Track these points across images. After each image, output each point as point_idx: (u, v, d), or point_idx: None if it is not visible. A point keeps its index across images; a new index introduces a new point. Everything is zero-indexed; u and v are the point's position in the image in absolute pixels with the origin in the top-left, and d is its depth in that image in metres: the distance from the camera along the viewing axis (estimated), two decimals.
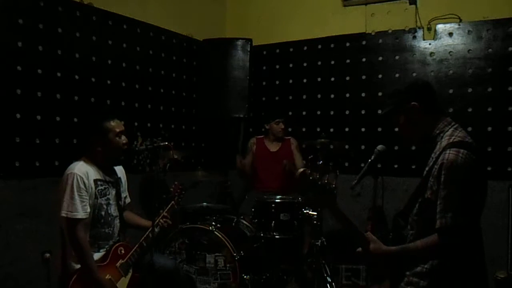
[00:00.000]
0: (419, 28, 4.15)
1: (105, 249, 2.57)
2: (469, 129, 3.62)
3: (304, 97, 4.70)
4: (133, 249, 2.61)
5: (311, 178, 1.71)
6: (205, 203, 3.83)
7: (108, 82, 3.73)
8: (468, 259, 1.74)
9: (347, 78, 4.48)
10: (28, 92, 3.14)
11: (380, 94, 4.31)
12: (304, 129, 4.68)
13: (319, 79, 4.62)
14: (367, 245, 1.81)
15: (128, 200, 2.86)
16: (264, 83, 4.93)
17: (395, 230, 1.95)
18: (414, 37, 4.17)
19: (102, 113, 3.48)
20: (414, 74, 4.17)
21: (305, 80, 4.70)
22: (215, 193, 4.66)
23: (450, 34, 4.03)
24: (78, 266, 2.46)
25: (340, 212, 1.81)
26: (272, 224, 3.69)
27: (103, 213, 2.56)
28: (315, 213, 3.41)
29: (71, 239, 2.43)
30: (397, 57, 4.25)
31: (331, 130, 4.50)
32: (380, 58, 4.32)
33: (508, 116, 3.80)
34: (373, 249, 1.80)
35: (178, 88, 4.49)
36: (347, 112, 4.48)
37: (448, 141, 1.78)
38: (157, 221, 2.70)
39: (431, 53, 4.10)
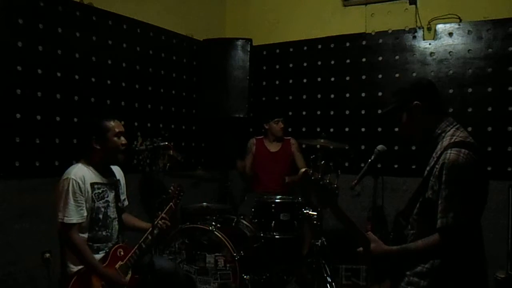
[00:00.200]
0: (419, 28, 4.15)
1: (104, 251, 2.57)
2: (469, 129, 3.62)
3: (304, 97, 4.70)
4: (132, 251, 2.61)
5: (312, 178, 1.71)
6: (205, 203, 3.83)
7: (108, 82, 3.73)
8: (469, 259, 1.75)
9: (347, 78, 4.48)
10: (28, 92, 3.13)
11: (380, 94, 4.31)
12: (304, 129, 4.68)
13: (319, 79, 4.62)
14: (368, 244, 1.81)
15: (126, 202, 2.85)
16: (264, 83, 4.93)
17: (396, 230, 1.94)
18: (414, 37, 4.17)
19: (102, 113, 3.49)
20: (414, 74, 4.17)
21: (305, 80, 4.70)
22: (215, 193, 4.67)
23: (450, 34, 4.03)
24: (77, 268, 2.46)
25: (341, 211, 1.81)
26: (272, 224, 3.69)
27: (101, 216, 2.56)
28: (315, 213, 3.41)
29: (68, 243, 2.46)
30: (397, 57, 4.25)
31: (331, 130, 4.50)
32: (380, 58, 4.32)
33: (508, 116, 3.80)
34: (374, 249, 1.80)
35: (178, 88, 4.49)
36: (347, 112, 4.48)
37: (449, 141, 1.78)
38: (156, 222, 2.70)
39: (431, 53, 4.10)
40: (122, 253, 2.60)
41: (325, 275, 3.38)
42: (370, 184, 2.99)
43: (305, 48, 4.69)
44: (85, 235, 2.51)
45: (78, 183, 2.46)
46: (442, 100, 1.95)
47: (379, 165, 2.53)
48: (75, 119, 3.43)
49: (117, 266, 2.55)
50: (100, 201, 2.56)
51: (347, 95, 4.48)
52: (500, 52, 3.83)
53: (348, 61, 4.48)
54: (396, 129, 3.97)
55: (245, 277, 3.34)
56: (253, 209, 3.81)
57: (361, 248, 1.84)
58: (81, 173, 2.49)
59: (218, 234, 3.33)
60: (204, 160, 4.71)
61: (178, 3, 4.49)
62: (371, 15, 4.36)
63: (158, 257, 2.96)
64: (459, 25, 3.99)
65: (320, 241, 3.46)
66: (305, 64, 4.69)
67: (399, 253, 1.78)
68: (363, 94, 4.40)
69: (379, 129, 4.31)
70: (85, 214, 2.49)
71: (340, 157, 4.29)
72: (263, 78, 4.92)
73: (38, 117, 3.20)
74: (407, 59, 4.21)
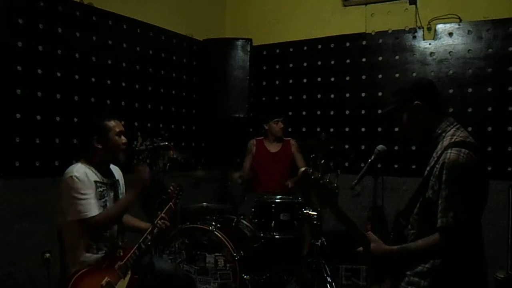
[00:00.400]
0: (419, 28, 4.15)
1: (103, 252, 2.57)
2: (469, 129, 3.62)
3: (304, 97, 4.70)
4: (132, 251, 2.60)
5: (312, 177, 1.71)
6: (205, 203, 3.83)
7: (108, 82, 3.73)
8: (469, 259, 1.75)
9: (347, 78, 4.48)
10: (28, 92, 3.13)
11: (380, 94, 4.31)
12: (304, 129, 4.68)
13: (319, 79, 4.62)
14: (368, 244, 1.81)
15: None
16: (264, 83, 4.93)
17: (396, 230, 1.94)
18: (414, 37, 4.17)
19: (102, 113, 3.49)
20: (414, 74, 4.17)
21: (305, 80, 4.70)
22: (215, 193, 4.66)
23: (450, 34, 4.03)
24: (76, 268, 2.46)
25: (341, 211, 1.81)
26: (272, 224, 3.69)
27: None
28: (315, 213, 3.40)
29: (94, 234, 2.49)
30: (397, 57, 4.25)
31: (331, 130, 4.50)
32: (380, 58, 4.32)
33: (508, 116, 3.80)
34: (374, 249, 1.80)
35: (178, 88, 4.49)
36: (347, 112, 4.48)
37: (449, 140, 1.78)
38: (156, 222, 2.69)
39: (431, 53, 4.11)
40: (121, 253, 2.59)
41: (325, 275, 3.38)
42: (370, 184, 2.99)
43: (305, 48, 4.69)
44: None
45: (83, 179, 2.45)
46: (442, 100, 1.95)
47: (379, 165, 2.53)
48: (75, 119, 3.43)
49: (116, 266, 2.54)
50: (100, 201, 2.55)
51: (347, 95, 4.48)
52: (500, 52, 3.83)
53: (348, 61, 4.48)
54: (396, 129, 3.97)
55: (245, 277, 3.34)
56: (253, 209, 3.81)
57: (361, 248, 1.84)
58: (82, 170, 2.49)
59: (218, 234, 3.33)
60: (204, 160, 4.71)
61: (178, 3, 4.49)
62: (371, 15, 4.36)
63: (158, 258, 2.95)
64: (459, 25, 3.99)
65: (320, 241, 3.45)
66: (305, 64, 4.69)
67: (399, 253, 1.78)
68: (363, 94, 4.40)
69: (379, 129, 4.31)
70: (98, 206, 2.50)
71: (340, 157, 4.29)
72: (263, 78, 4.92)
73: (38, 117, 3.20)
74: (407, 59, 4.21)
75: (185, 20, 4.56)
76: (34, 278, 3.13)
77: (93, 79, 3.60)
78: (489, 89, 3.87)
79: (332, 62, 4.55)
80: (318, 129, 4.54)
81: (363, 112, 4.39)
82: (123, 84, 3.87)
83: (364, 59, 4.40)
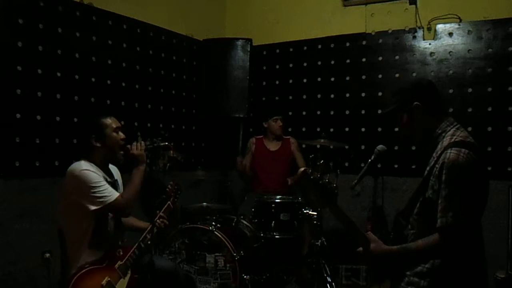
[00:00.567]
0: (419, 28, 4.15)
1: (104, 250, 2.57)
2: (469, 129, 3.62)
3: (304, 97, 4.70)
4: (131, 251, 2.61)
5: (312, 177, 1.71)
6: (205, 203, 3.83)
7: (108, 82, 3.73)
8: (469, 259, 1.75)
9: (347, 78, 4.48)
10: (28, 92, 3.14)
11: (380, 94, 4.31)
12: (304, 129, 4.68)
13: (319, 79, 4.62)
14: (367, 244, 1.81)
15: None
16: (264, 83, 4.93)
17: (396, 230, 1.94)
18: (414, 37, 4.17)
19: (98, 111, 3.48)
20: (414, 74, 4.17)
21: (305, 80, 4.70)
22: (215, 193, 4.66)
23: (450, 34, 4.03)
24: (77, 266, 2.46)
25: (341, 211, 1.81)
26: (272, 224, 3.69)
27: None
28: (315, 213, 3.40)
29: (125, 210, 2.54)
30: (397, 57, 4.25)
31: (331, 130, 4.50)
32: (380, 58, 4.32)
33: (508, 116, 3.80)
34: (373, 249, 1.79)
35: (178, 88, 4.49)
36: (347, 112, 4.48)
37: (449, 140, 1.78)
38: (155, 221, 2.70)
39: (431, 53, 4.10)
40: (121, 252, 2.60)
41: (325, 275, 3.38)
42: (370, 184, 3.00)
43: (305, 48, 4.69)
44: (91, 230, 2.50)
45: (94, 169, 2.47)
46: (442, 100, 1.95)
47: (379, 165, 2.54)
48: (75, 119, 3.43)
49: (116, 266, 2.55)
50: None
51: (347, 95, 4.48)
52: (500, 52, 3.83)
53: (348, 61, 4.48)
54: (396, 129, 3.97)
55: (245, 277, 3.34)
56: (253, 209, 3.81)
57: (361, 248, 1.84)
58: (88, 165, 2.50)
59: (218, 234, 3.33)
60: (204, 160, 4.71)
61: (178, 3, 4.49)
62: (371, 15, 4.36)
63: (158, 257, 2.95)
64: (459, 25, 3.99)
65: (320, 241, 3.46)
66: (305, 64, 4.69)
67: (399, 253, 1.78)
68: (363, 94, 4.40)
69: (379, 129, 4.31)
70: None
71: (340, 157, 4.29)
72: (263, 78, 4.92)
73: (38, 117, 3.20)
74: (407, 59, 4.21)
75: (185, 20, 4.56)
76: (34, 278, 3.14)
77: (93, 79, 3.60)
78: (489, 89, 3.87)
79: (332, 62, 4.55)
80: (318, 129, 4.54)
81: (363, 112, 4.39)
82: (123, 84, 3.87)
83: (364, 59, 4.40)
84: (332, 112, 4.55)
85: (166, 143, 2.69)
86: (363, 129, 4.39)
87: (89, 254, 2.50)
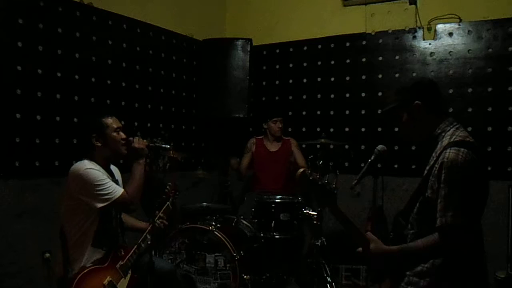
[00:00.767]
0: (419, 28, 4.15)
1: (106, 249, 2.57)
2: (469, 129, 3.62)
3: (304, 97, 4.70)
4: (132, 251, 2.61)
5: (311, 178, 1.71)
6: (205, 203, 3.83)
7: (108, 82, 3.73)
8: (469, 259, 1.74)
9: (347, 78, 4.48)
10: (28, 92, 3.13)
11: (380, 94, 4.31)
12: (304, 129, 4.68)
13: (319, 79, 4.62)
14: (367, 245, 1.81)
15: None
16: (264, 83, 4.93)
17: (396, 230, 1.94)
18: (414, 37, 4.17)
19: (99, 111, 3.48)
20: (414, 74, 4.17)
21: (305, 80, 4.70)
22: (215, 193, 4.66)
23: (450, 34, 4.03)
24: (79, 265, 2.47)
25: (340, 211, 1.81)
26: (272, 224, 3.69)
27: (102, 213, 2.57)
28: (315, 213, 3.41)
29: (133, 205, 2.56)
30: (397, 57, 4.25)
31: (331, 130, 4.50)
32: (380, 58, 4.32)
33: (508, 116, 3.80)
34: (373, 249, 1.80)
35: (178, 88, 4.49)
36: (347, 112, 4.48)
37: (449, 140, 1.78)
38: (154, 222, 2.70)
39: (431, 53, 4.10)
40: (122, 252, 2.61)
41: (325, 275, 3.39)
42: (370, 184, 3.00)
43: (305, 48, 4.69)
44: (94, 229, 2.51)
45: (97, 168, 2.49)
46: (442, 100, 1.95)
47: (379, 165, 2.53)
48: (75, 119, 3.43)
49: (117, 266, 2.56)
50: None
51: (347, 95, 4.48)
52: (500, 52, 3.83)
53: (348, 61, 4.48)
54: (396, 129, 3.97)
55: (245, 277, 3.34)
56: (253, 209, 3.81)
57: (360, 248, 1.84)
58: (92, 164, 2.50)
59: (218, 234, 3.33)
60: (204, 160, 4.71)
61: (178, 3, 4.49)
62: (371, 15, 4.36)
63: (157, 257, 2.96)
64: (459, 25, 3.99)
65: (320, 241, 3.46)
66: (305, 64, 4.69)
67: (399, 253, 1.78)
68: (363, 94, 4.40)
69: (379, 129, 4.31)
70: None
71: (340, 157, 4.30)
72: (263, 78, 4.92)
73: (38, 117, 3.20)
74: (407, 59, 4.21)
75: (185, 20, 4.56)
76: (34, 278, 3.13)
77: (93, 79, 3.60)
78: (489, 89, 3.87)
79: (332, 62, 4.55)
80: (318, 129, 4.54)
81: (363, 112, 4.39)
82: (123, 84, 3.87)
83: (364, 59, 4.40)
84: (332, 112, 4.55)
85: (168, 146, 2.70)
86: (363, 129, 4.39)
87: (92, 253, 2.51)
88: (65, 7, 3.38)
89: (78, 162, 2.52)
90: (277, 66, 4.86)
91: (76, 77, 3.46)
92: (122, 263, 2.57)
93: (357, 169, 2.59)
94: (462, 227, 1.66)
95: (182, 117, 4.55)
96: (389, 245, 1.82)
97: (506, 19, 3.80)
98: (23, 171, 3.10)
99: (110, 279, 2.49)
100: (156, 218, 2.72)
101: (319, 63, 4.62)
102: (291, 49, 4.77)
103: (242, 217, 3.79)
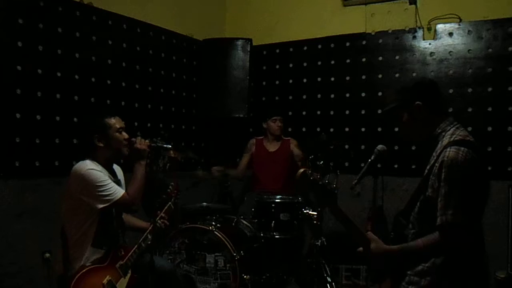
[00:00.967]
0: (419, 28, 4.15)
1: (106, 249, 2.57)
2: (469, 129, 3.61)
3: (304, 97, 4.70)
4: (132, 250, 2.62)
5: (311, 178, 1.71)
6: (205, 203, 3.83)
7: (108, 82, 3.73)
8: (469, 258, 1.75)
9: (347, 78, 4.48)
10: (28, 92, 3.14)
11: (380, 94, 4.31)
12: (304, 129, 4.68)
13: (319, 79, 4.62)
14: (368, 244, 1.81)
15: None
16: (264, 83, 4.93)
17: (396, 229, 1.94)
18: (414, 37, 4.17)
19: (102, 111, 3.49)
20: (414, 74, 4.17)
21: (305, 80, 4.69)
22: (215, 193, 4.66)
23: (450, 34, 4.03)
24: (80, 264, 2.47)
25: (341, 211, 1.81)
26: (272, 224, 3.69)
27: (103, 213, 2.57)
28: (315, 213, 3.41)
29: (133, 206, 2.56)
30: (397, 57, 4.25)
31: (331, 130, 4.50)
32: (380, 58, 4.32)
33: (508, 116, 3.80)
34: (374, 249, 1.80)
35: (178, 88, 4.49)
36: (347, 112, 4.47)
37: (449, 139, 1.78)
38: (156, 221, 2.70)
39: (431, 53, 4.10)
40: (122, 252, 2.61)
41: (325, 275, 3.38)
42: (370, 184, 2.99)
43: (305, 48, 4.68)
44: (94, 229, 2.51)
45: (99, 169, 2.49)
46: (443, 100, 1.95)
47: (379, 165, 2.53)
48: (75, 119, 3.43)
49: (117, 265, 2.56)
50: None
51: (347, 95, 4.48)
52: (500, 52, 3.83)
53: (348, 61, 4.48)
54: (396, 129, 3.97)
55: (245, 277, 3.34)
56: (253, 209, 3.81)
57: (361, 248, 1.84)
58: (94, 165, 2.50)
59: (218, 234, 3.33)
60: (204, 160, 4.71)
61: (178, 3, 4.49)
62: (371, 15, 4.36)
63: (157, 257, 2.96)
64: (459, 25, 3.99)
65: (320, 241, 3.46)
66: (305, 64, 4.69)
67: (400, 253, 1.78)
68: (363, 94, 4.40)
69: (379, 129, 4.31)
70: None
71: (340, 157, 4.29)
72: (263, 78, 4.92)
73: (38, 117, 3.20)
74: (407, 59, 4.20)
75: (185, 20, 4.56)
76: (34, 278, 3.14)
77: (93, 79, 3.60)
78: (489, 89, 3.87)
79: (332, 62, 4.55)
80: (318, 129, 4.54)
81: (363, 112, 4.39)
82: (123, 84, 3.87)
83: (364, 59, 4.40)
84: (332, 112, 4.55)
85: (169, 146, 2.70)
86: (363, 129, 4.39)
87: (92, 253, 2.51)
88: (65, 7, 3.38)
89: (80, 162, 2.52)
90: (277, 66, 4.86)
91: (76, 77, 3.46)
92: (121, 262, 2.57)
93: (357, 169, 2.59)
94: (462, 226, 1.66)
95: (182, 117, 4.55)
96: (390, 244, 1.82)
97: (506, 19, 3.80)
98: (23, 171, 3.10)
99: (110, 278, 2.50)
100: (158, 218, 2.73)
101: (319, 63, 4.62)
102: (291, 49, 4.77)
103: (242, 217, 3.79)
